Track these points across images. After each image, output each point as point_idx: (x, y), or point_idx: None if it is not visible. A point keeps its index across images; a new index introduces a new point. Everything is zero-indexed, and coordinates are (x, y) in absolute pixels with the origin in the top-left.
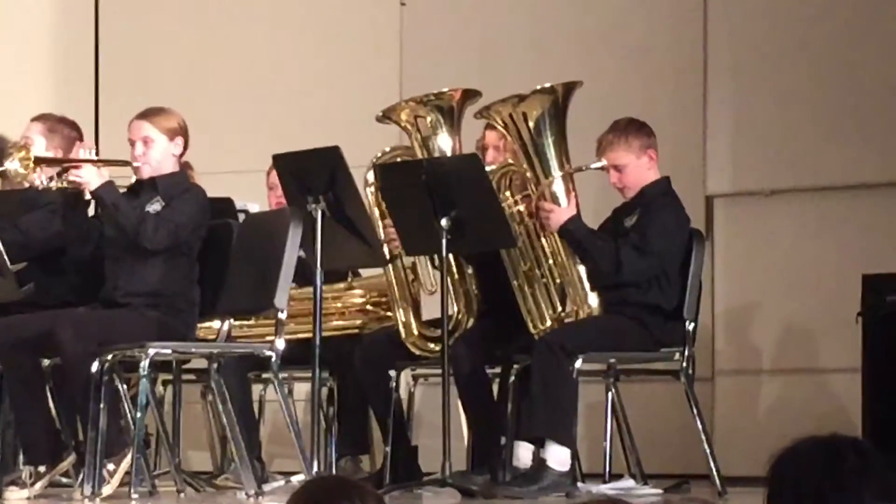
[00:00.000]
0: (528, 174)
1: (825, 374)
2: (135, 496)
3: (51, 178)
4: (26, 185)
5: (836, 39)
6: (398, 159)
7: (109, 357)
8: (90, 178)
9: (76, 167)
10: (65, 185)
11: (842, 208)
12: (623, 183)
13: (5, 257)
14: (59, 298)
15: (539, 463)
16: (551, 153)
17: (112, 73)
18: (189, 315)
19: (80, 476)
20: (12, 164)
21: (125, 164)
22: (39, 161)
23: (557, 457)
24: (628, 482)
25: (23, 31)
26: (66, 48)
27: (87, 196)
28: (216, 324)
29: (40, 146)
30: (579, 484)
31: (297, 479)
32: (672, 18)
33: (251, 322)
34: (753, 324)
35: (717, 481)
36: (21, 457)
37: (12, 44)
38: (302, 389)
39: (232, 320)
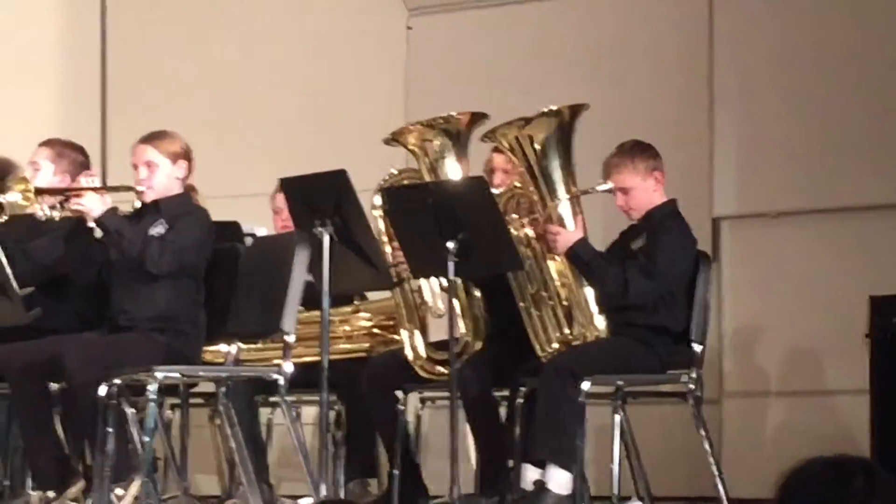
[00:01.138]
0: (535, 197)
1: (833, 396)
2: None
3: (52, 207)
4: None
5: (842, 61)
6: (405, 182)
7: (117, 381)
8: (93, 205)
9: (78, 195)
10: (68, 214)
11: (849, 230)
12: (629, 205)
13: (13, 282)
14: (66, 323)
15: (540, 486)
16: (558, 176)
17: (118, 97)
18: (196, 338)
19: (89, 501)
20: (12, 197)
21: (128, 189)
22: (40, 192)
23: (558, 480)
24: None
25: (29, 56)
26: (73, 72)
27: (91, 223)
28: (223, 347)
29: (48, 171)
30: None
31: (305, 503)
32: (678, 40)
33: (258, 345)
34: (761, 345)
35: (725, 503)
36: (29, 482)
37: (19, 68)
38: (310, 413)
39: (239, 344)
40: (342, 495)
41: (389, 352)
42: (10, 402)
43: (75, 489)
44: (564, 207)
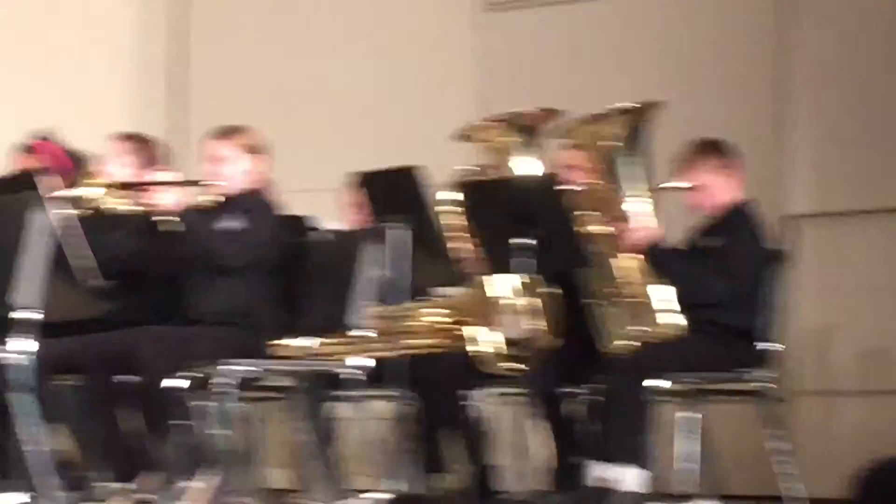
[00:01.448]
0: (608, 194)
1: None
2: None
3: (127, 201)
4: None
5: None
6: (477, 178)
7: (189, 374)
8: (167, 199)
9: (153, 189)
10: (142, 208)
11: None
12: (703, 203)
13: (87, 275)
14: (139, 316)
15: (612, 484)
16: (630, 173)
17: (195, 91)
18: (268, 332)
19: (161, 494)
20: (87, 190)
21: (202, 183)
22: (115, 186)
23: (631, 478)
24: None
25: (105, 50)
26: (149, 66)
27: (164, 217)
28: (295, 341)
29: (123, 165)
30: None
31: (376, 498)
32: (750, 35)
33: (331, 340)
34: (833, 345)
35: (796, 503)
36: (101, 474)
37: (95, 62)
38: (382, 408)
39: (312, 338)
40: (413, 491)
41: (461, 348)
42: (83, 394)
43: (148, 482)
44: (637, 205)
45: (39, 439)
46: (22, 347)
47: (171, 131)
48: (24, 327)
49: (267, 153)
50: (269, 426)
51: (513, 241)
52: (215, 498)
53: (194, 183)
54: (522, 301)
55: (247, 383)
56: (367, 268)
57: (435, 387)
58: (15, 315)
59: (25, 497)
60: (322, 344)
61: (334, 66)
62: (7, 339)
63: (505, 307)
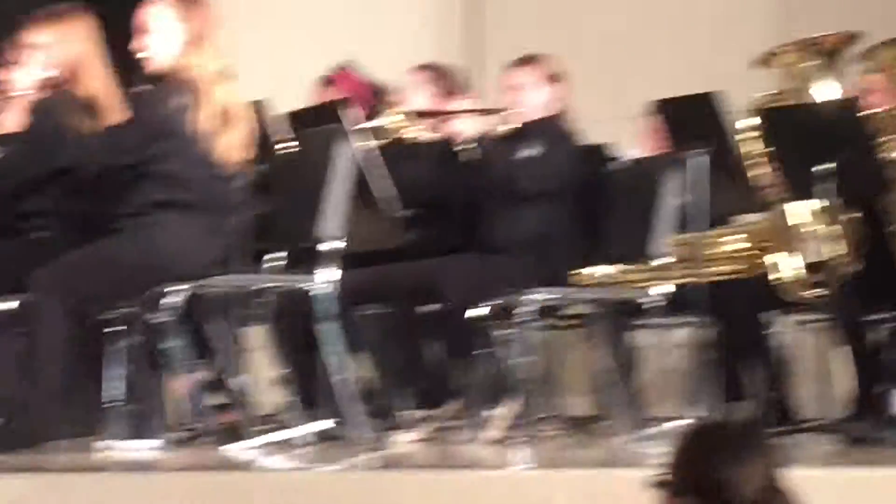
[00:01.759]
0: None
1: None
2: (517, 441)
3: (426, 130)
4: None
5: None
6: (778, 104)
7: (491, 303)
8: (465, 127)
9: (452, 118)
10: (440, 136)
11: None
12: None
13: (389, 204)
14: (440, 245)
15: None
16: None
17: (495, 19)
18: (567, 260)
19: (464, 422)
20: (387, 119)
21: (502, 111)
22: (413, 115)
23: None
24: None
25: None
26: None
27: (463, 146)
28: (595, 269)
29: (423, 94)
30: None
31: (676, 425)
32: None
33: (631, 268)
34: None
35: None
36: (405, 402)
37: None
38: (682, 335)
39: (612, 266)
40: (714, 418)
41: (762, 275)
42: (386, 323)
43: (451, 409)
44: None
45: (345, 368)
46: (327, 278)
47: (469, 60)
48: (329, 258)
49: (566, 81)
50: (571, 354)
51: (813, 167)
52: (517, 425)
53: (494, 111)
54: (823, 227)
55: (548, 311)
56: (667, 195)
57: (735, 314)
58: (320, 246)
59: (331, 423)
60: (623, 272)
61: None
62: (313, 270)
63: (806, 233)
